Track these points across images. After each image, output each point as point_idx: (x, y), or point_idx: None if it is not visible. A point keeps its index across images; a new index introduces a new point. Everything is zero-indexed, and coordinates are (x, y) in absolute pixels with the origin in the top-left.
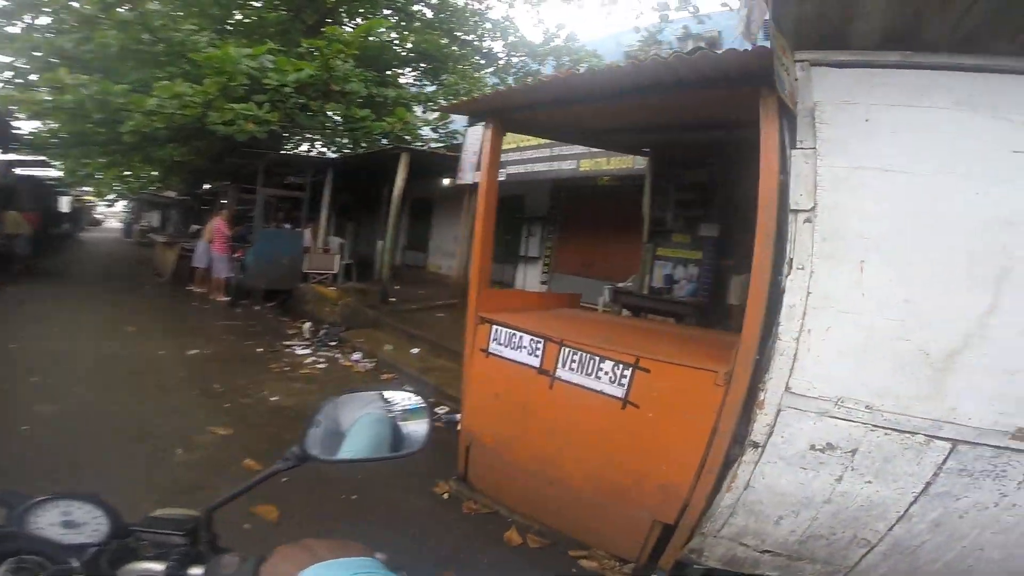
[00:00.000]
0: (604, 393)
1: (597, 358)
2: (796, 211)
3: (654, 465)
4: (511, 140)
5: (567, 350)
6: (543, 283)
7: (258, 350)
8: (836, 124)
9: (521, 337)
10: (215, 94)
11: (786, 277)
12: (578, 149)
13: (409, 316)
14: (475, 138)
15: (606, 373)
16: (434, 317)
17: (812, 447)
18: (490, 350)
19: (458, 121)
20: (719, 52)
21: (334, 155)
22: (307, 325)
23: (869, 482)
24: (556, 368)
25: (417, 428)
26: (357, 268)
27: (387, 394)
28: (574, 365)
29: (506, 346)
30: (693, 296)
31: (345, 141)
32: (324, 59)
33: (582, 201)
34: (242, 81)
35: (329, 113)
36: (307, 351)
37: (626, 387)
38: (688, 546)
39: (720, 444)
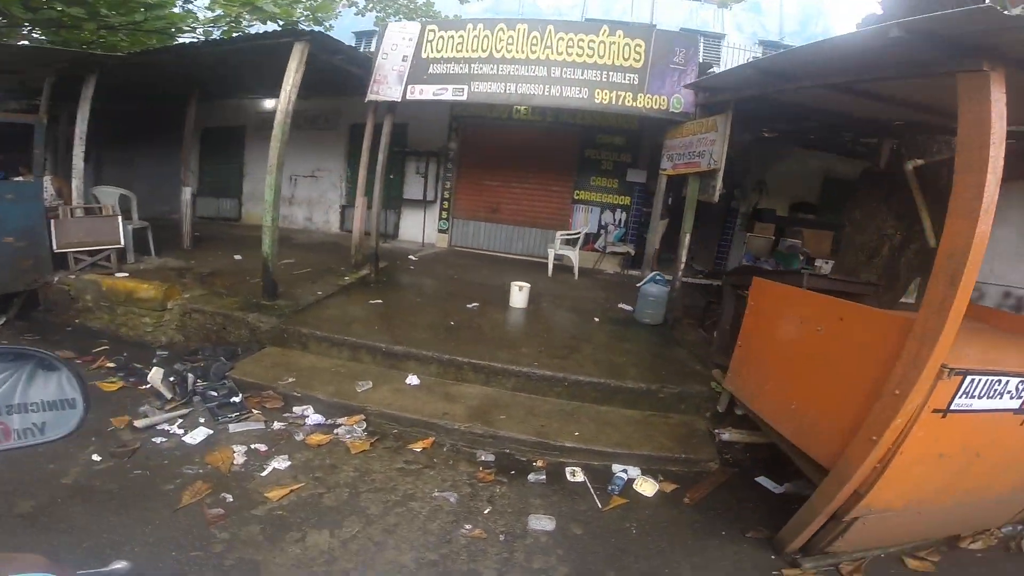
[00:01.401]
0: None
1: None
2: None
3: None
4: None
5: None
6: (442, 231)
7: (94, 458)
8: None
9: (1007, 382)
10: None
11: None
12: (586, 74)
13: (326, 313)
14: (400, 37)
15: None
16: (371, 308)
17: None
18: (953, 407)
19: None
20: None
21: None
22: (155, 372)
23: None
24: None
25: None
26: (153, 233)
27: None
28: None
29: (981, 397)
30: (621, 242)
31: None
32: None
33: (486, 135)
34: None
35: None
36: (199, 433)
37: None
38: None
39: None
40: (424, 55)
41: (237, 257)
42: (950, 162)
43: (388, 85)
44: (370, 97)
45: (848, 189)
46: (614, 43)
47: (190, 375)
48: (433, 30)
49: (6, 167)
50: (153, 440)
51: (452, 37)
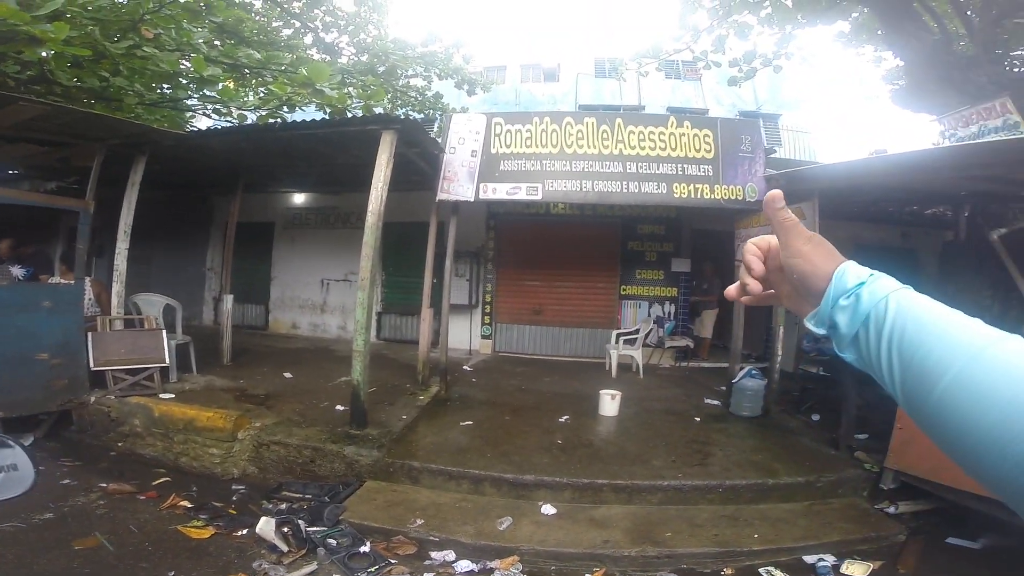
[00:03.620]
0: None
1: None
2: None
3: None
4: (513, 141)
5: None
6: (485, 336)
7: None
8: None
9: None
10: None
11: None
12: (662, 168)
13: (426, 440)
14: (466, 130)
15: None
16: (466, 431)
17: None
18: None
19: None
20: None
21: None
22: (265, 522)
23: None
24: None
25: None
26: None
27: None
28: None
29: None
30: (675, 335)
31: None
32: None
33: (524, 231)
34: None
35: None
36: None
37: None
38: None
39: None
40: (493, 150)
41: (287, 375)
42: None
43: (459, 183)
44: (441, 196)
45: (883, 256)
46: (683, 134)
47: (301, 522)
48: (500, 123)
49: (35, 262)
50: None
51: (520, 131)
